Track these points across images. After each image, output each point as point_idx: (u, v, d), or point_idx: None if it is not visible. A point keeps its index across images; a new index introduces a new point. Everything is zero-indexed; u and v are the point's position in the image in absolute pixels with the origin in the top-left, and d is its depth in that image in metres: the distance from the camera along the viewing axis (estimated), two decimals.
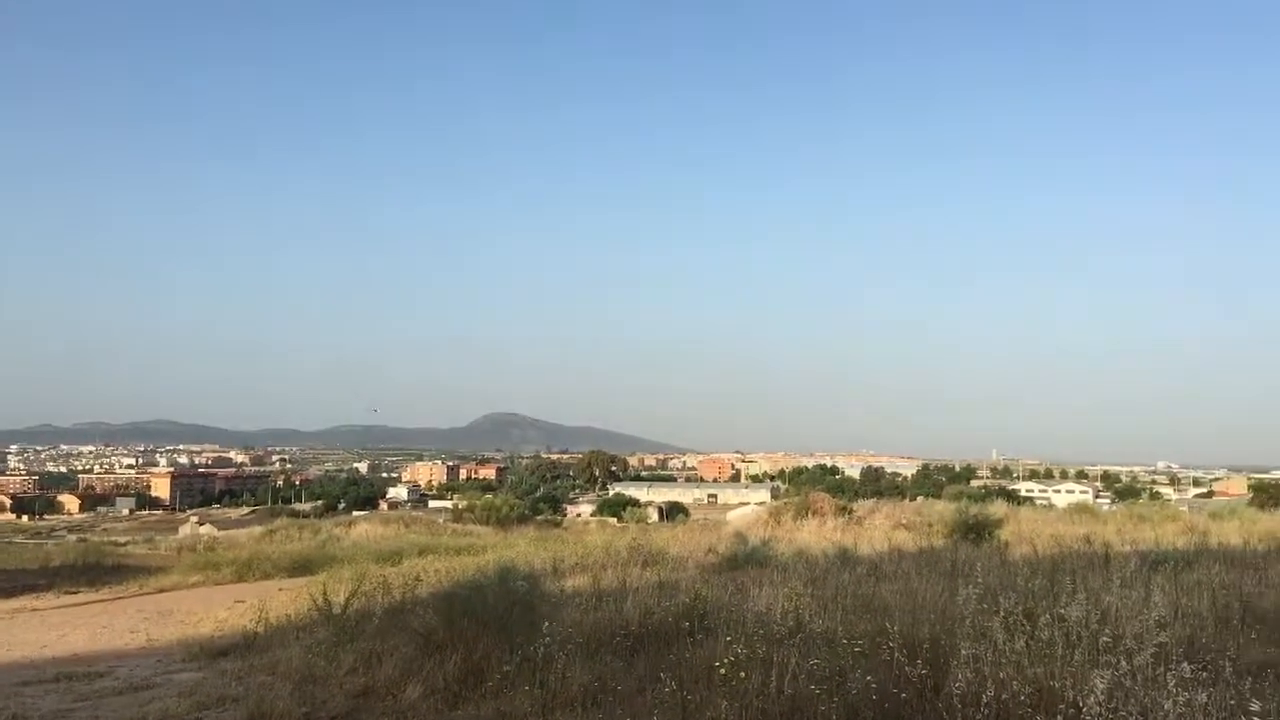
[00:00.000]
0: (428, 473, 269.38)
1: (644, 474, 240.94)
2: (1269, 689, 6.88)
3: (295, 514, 70.18)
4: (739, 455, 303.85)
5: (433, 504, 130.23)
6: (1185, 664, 6.04)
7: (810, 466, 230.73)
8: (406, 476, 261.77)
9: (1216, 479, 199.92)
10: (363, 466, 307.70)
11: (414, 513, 69.26)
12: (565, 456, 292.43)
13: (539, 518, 69.48)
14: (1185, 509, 48.66)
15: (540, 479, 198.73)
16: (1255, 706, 3.99)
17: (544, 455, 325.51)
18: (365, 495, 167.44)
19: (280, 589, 20.53)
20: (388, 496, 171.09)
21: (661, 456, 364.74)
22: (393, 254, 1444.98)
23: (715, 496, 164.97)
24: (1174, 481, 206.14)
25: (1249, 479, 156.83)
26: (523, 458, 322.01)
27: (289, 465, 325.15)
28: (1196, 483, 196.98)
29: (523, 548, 28.26)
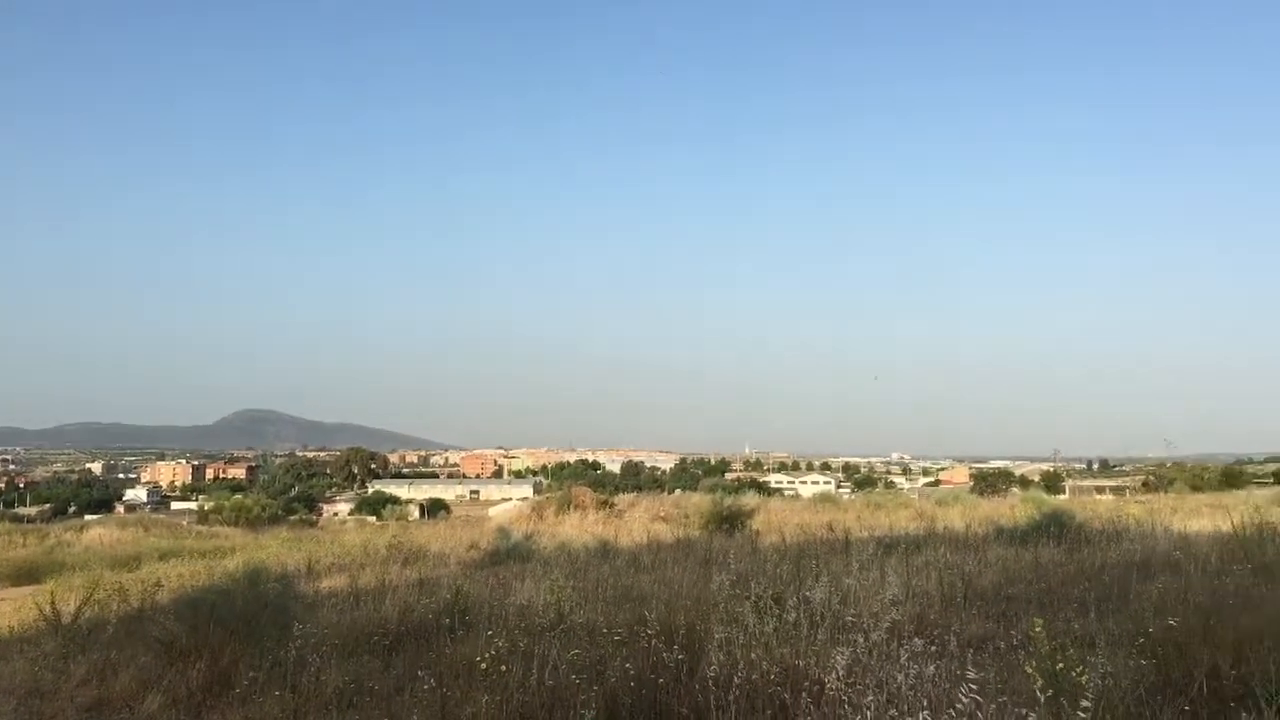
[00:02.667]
0: (170, 473, 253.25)
1: (405, 471, 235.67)
2: (987, 659, 7.54)
3: (19, 519, 64.29)
4: (502, 452, 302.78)
5: (176, 506, 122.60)
6: (916, 639, 6.51)
7: (573, 462, 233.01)
8: (147, 477, 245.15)
9: (943, 469, 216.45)
10: (97, 467, 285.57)
11: (155, 515, 65.27)
12: (323, 454, 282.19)
13: (293, 518, 66.94)
14: (916, 497, 52.43)
15: (295, 478, 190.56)
16: (972, 675, 4.35)
17: (300, 453, 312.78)
18: (99, 498, 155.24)
19: (0, 599, 18.86)
20: (125, 499, 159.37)
21: (424, 453, 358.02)
22: (138, 240, 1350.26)
23: (478, 493, 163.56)
24: (906, 472, 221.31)
25: (971, 469, 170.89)
26: (277, 456, 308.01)
27: (12, 467, 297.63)
28: (926, 472, 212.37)
29: (275, 549, 27.20)
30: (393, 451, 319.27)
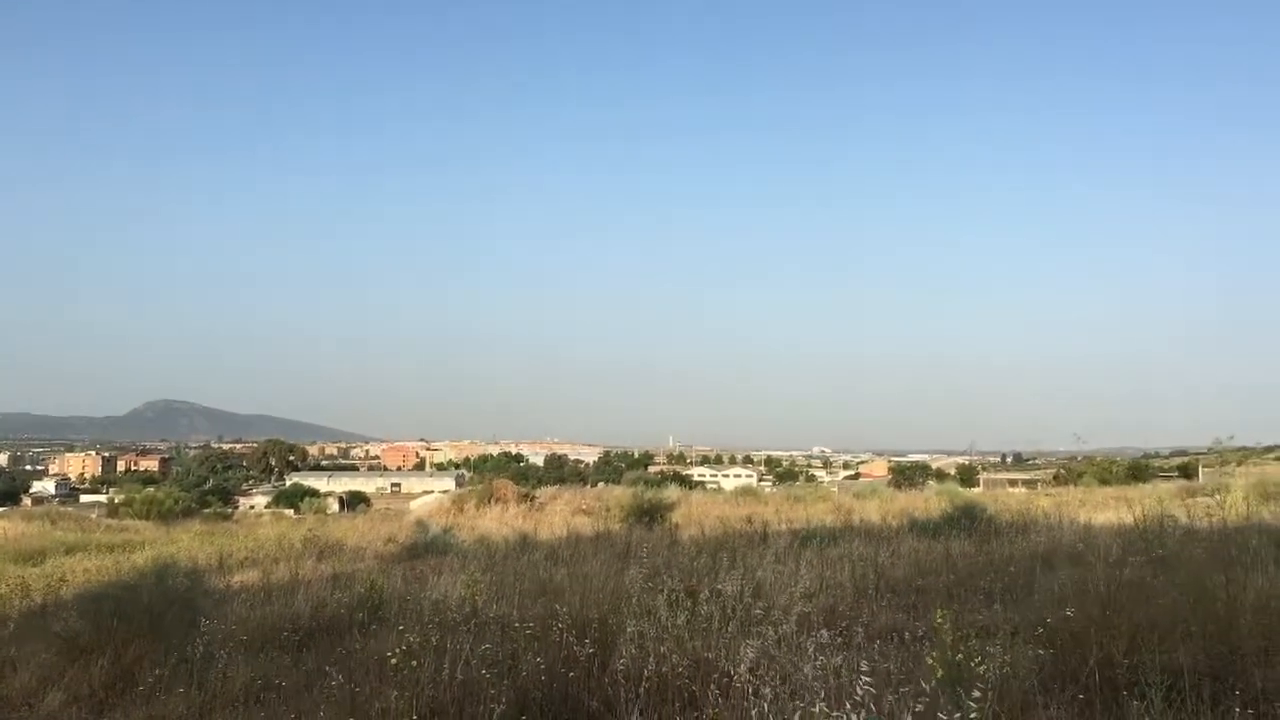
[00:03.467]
0: (80, 464, 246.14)
1: (325, 464, 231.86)
2: (893, 650, 7.69)
3: None
4: (424, 444, 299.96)
5: (85, 499, 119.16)
6: (823, 631, 6.62)
7: (496, 454, 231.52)
8: (55, 469, 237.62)
9: (863, 462, 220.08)
10: (2, 458, 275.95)
11: (63, 508, 63.35)
12: (239, 446, 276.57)
13: (207, 511, 65.48)
14: (835, 490, 53.20)
15: (210, 470, 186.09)
16: (865, 666, 4.45)
17: (215, 445, 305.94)
18: (4, 490, 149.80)
19: None
20: (32, 491, 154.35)
21: (344, 445, 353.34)
22: (45, 227, 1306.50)
23: (399, 485, 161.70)
24: (827, 465, 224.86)
25: (890, 462, 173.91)
26: (191, 448, 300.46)
27: None
28: (846, 466, 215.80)
29: (186, 543, 26.68)
30: (312, 444, 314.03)
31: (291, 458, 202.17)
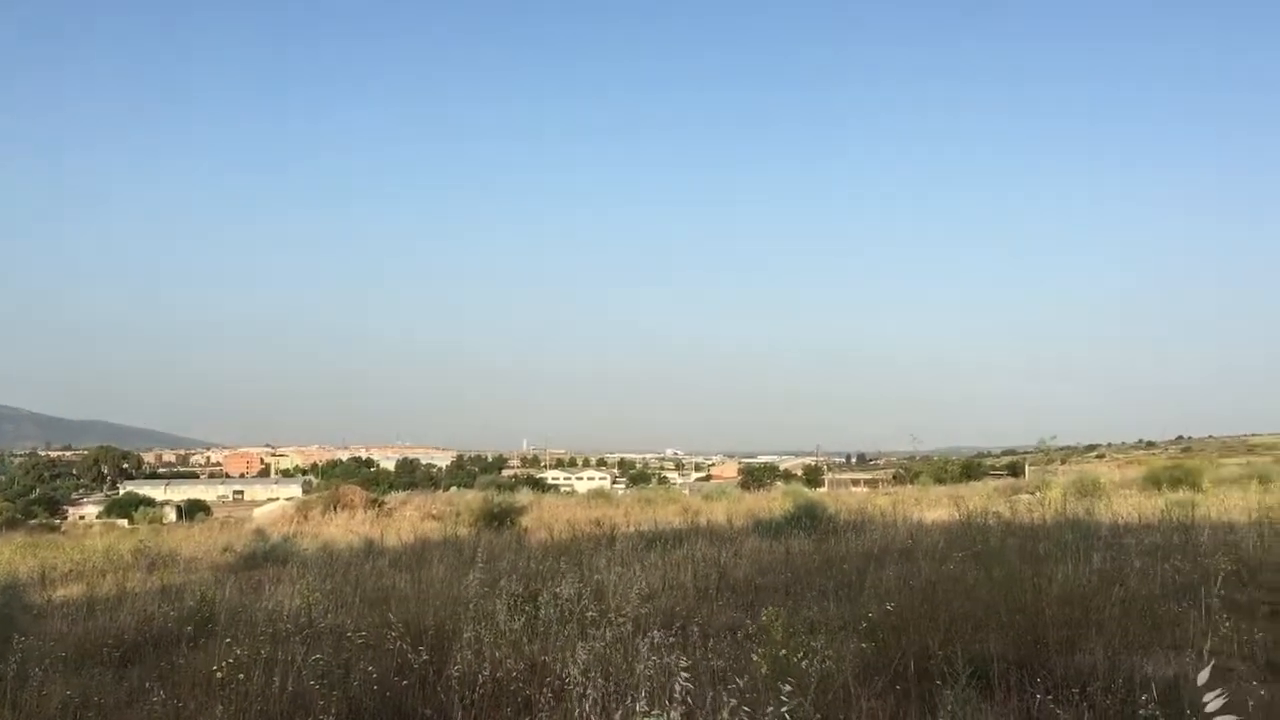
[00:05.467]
0: None
1: (162, 471, 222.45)
2: (726, 648, 7.90)
3: None
4: (269, 449, 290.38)
5: None
6: (656, 631, 6.75)
7: (345, 460, 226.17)
8: None
9: (714, 464, 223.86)
10: None
11: None
12: (68, 453, 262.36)
13: (33, 522, 62.04)
14: (686, 492, 54.07)
15: (37, 479, 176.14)
16: (684, 664, 4.59)
17: (42, 452, 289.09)
18: None
19: None
20: None
21: (183, 452, 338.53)
22: None
23: (242, 493, 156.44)
24: (679, 467, 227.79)
25: (740, 464, 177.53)
26: (16, 455, 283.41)
27: None
28: (698, 468, 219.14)
29: (7, 556, 25.17)
30: (148, 450, 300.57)
31: (125, 465, 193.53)
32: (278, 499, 72.99)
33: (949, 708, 5.92)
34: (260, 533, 25.21)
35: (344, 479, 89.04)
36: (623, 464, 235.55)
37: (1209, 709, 2.52)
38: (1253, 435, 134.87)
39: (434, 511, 36.29)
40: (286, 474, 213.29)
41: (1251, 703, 5.95)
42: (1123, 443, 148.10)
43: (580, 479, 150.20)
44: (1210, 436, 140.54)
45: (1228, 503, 22.05)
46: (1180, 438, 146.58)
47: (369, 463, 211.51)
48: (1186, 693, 5.70)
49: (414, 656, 7.05)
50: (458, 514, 32.78)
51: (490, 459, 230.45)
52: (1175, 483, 30.40)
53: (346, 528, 30.54)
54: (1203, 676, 2.61)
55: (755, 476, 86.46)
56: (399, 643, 7.37)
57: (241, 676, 7.00)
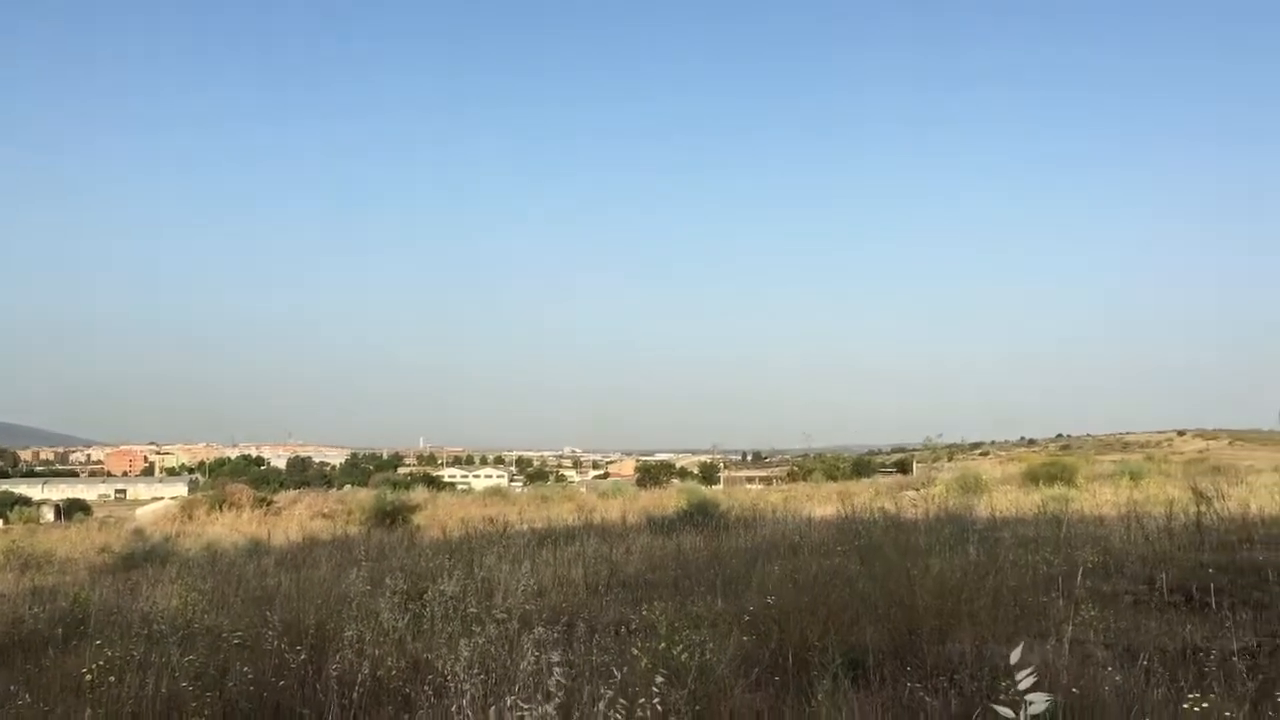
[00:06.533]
0: None
1: (40, 469, 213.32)
2: (611, 643, 7.96)
3: None
4: (154, 447, 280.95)
5: None
6: (539, 627, 6.77)
7: (234, 458, 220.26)
8: None
9: (613, 462, 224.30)
10: None
11: None
12: None
13: None
14: (583, 489, 54.14)
15: None
16: (556, 658, 4.63)
17: None
18: None
19: None
20: None
21: (62, 450, 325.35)
22: None
23: (125, 492, 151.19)
24: (578, 465, 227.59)
25: (637, 461, 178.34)
26: None
27: None
28: (596, 465, 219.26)
29: None
30: (24, 448, 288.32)
31: (0, 463, 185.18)
32: (162, 498, 70.86)
33: (822, 697, 6.07)
34: (140, 533, 24.48)
35: (232, 477, 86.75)
36: (520, 462, 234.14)
37: (1020, 686, 2.65)
38: (1128, 433, 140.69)
39: (325, 510, 35.74)
40: (172, 472, 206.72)
41: (1107, 687, 6.26)
42: (1006, 440, 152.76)
43: (478, 477, 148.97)
44: (1088, 435, 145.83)
45: (1100, 498, 23.04)
46: (1060, 435, 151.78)
47: (259, 461, 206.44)
48: (1047, 677, 5.97)
49: (292, 656, 6.94)
50: (349, 512, 32.37)
51: (386, 457, 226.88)
52: (1052, 479, 31.59)
53: (232, 527, 29.90)
54: (1014, 656, 2.75)
55: (652, 474, 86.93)
56: (277, 643, 7.24)
57: (113, 679, 6.80)
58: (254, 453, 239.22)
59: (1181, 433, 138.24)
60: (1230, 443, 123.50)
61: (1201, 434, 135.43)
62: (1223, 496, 18.95)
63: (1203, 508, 16.75)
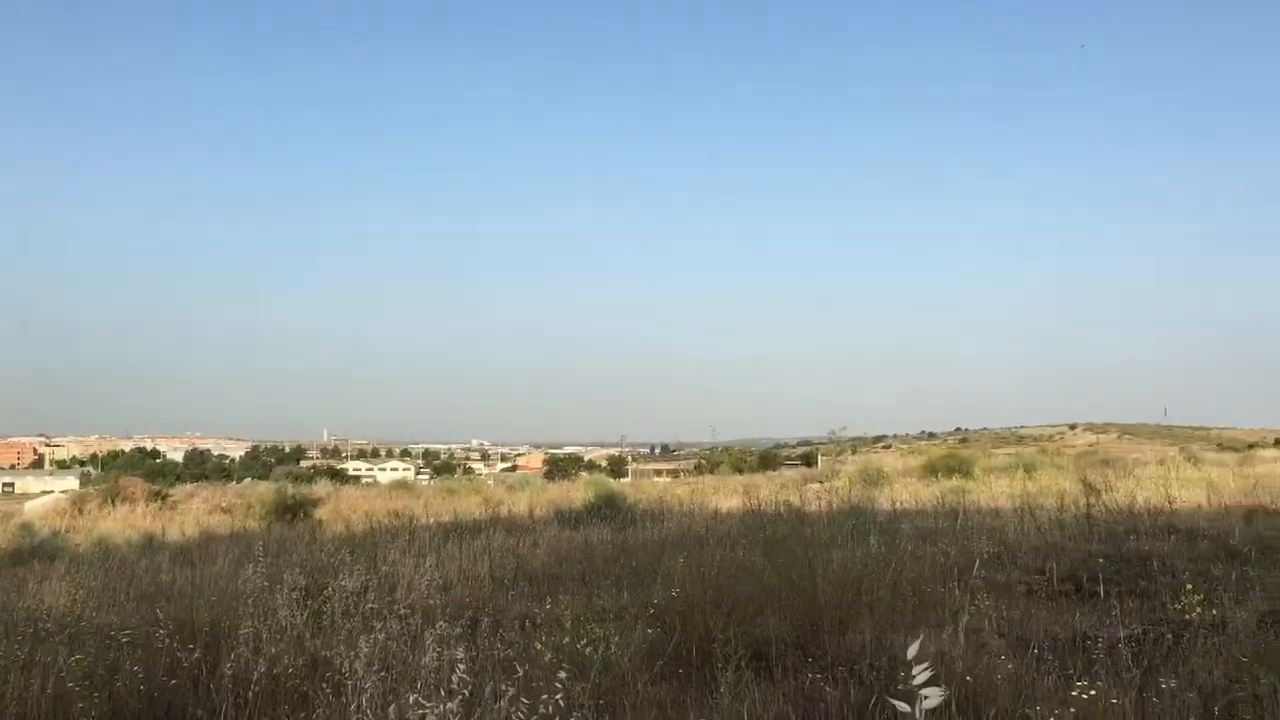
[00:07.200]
0: None
1: None
2: (515, 637, 7.94)
3: None
4: (44, 439, 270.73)
5: None
6: (441, 623, 6.69)
7: (129, 451, 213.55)
8: None
9: (521, 455, 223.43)
10: None
11: None
12: None
13: None
14: (491, 482, 53.77)
15: None
16: (459, 654, 4.58)
17: None
18: None
19: None
20: None
21: None
22: None
23: (13, 485, 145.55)
24: (486, 458, 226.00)
25: (546, 454, 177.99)
26: None
27: None
28: (504, 458, 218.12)
29: None
30: None
31: None
32: (52, 492, 68.27)
33: (725, 689, 6.12)
34: (28, 527, 23.55)
35: (126, 471, 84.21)
36: (427, 455, 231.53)
37: (916, 681, 2.70)
38: (1023, 427, 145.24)
39: (224, 504, 34.91)
40: (63, 465, 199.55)
41: (1000, 676, 6.44)
42: (907, 434, 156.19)
43: (383, 470, 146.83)
44: (985, 428, 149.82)
45: (995, 490, 23.71)
46: (959, 429, 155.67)
47: (155, 454, 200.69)
48: (942, 666, 6.11)
49: (185, 655, 6.75)
50: (249, 507, 31.67)
51: (288, 450, 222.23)
52: (951, 471, 32.45)
53: (126, 522, 29.00)
54: (912, 651, 2.80)
55: (560, 467, 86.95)
56: (169, 641, 7.04)
57: None
58: (150, 445, 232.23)
59: (1073, 427, 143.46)
60: (1119, 436, 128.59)
61: (1092, 428, 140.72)
62: (1111, 489, 19.64)
63: (1092, 500, 17.37)
